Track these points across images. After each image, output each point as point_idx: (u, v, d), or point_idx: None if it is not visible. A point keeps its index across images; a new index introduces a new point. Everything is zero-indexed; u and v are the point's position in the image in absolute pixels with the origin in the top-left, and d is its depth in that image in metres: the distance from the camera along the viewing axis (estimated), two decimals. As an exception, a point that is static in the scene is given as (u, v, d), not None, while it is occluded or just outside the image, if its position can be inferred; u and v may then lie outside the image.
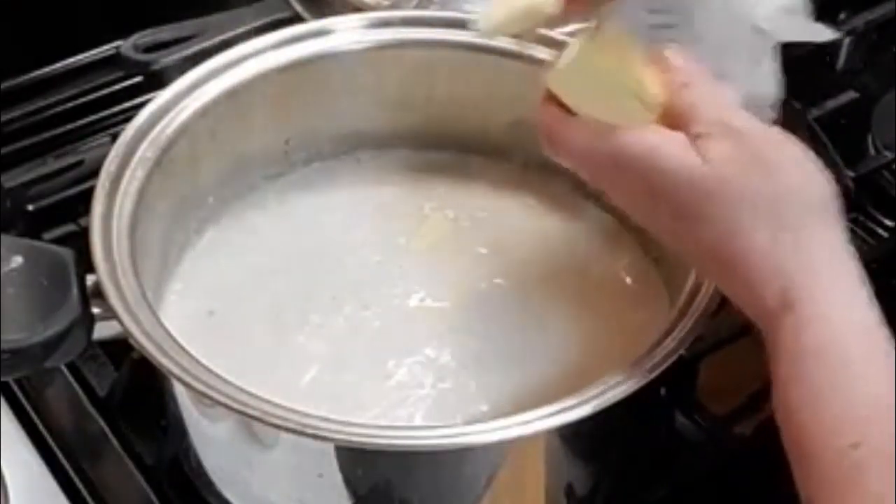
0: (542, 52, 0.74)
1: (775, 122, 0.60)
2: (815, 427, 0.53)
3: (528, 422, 0.58)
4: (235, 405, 0.58)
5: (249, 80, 0.73)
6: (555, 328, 0.70)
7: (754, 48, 0.63)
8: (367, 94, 0.77)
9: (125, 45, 0.86)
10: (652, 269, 0.73)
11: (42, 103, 0.89)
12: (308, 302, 0.71)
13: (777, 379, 0.55)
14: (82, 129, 0.89)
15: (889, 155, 0.84)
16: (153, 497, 0.69)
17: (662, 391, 0.66)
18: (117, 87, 0.90)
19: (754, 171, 0.56)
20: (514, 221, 0.76)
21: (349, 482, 0.62)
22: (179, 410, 0.66)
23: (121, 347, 0.67)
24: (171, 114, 0.71)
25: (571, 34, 0.78)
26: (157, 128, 0.70)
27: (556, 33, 0.76)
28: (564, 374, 0.68)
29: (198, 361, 0.60)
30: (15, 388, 0.75)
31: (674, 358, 0.60)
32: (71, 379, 0.74)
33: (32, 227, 0.81)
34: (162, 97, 0.71)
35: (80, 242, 0.65)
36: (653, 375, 0.60)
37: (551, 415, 0.58)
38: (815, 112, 0.84)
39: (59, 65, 0.91)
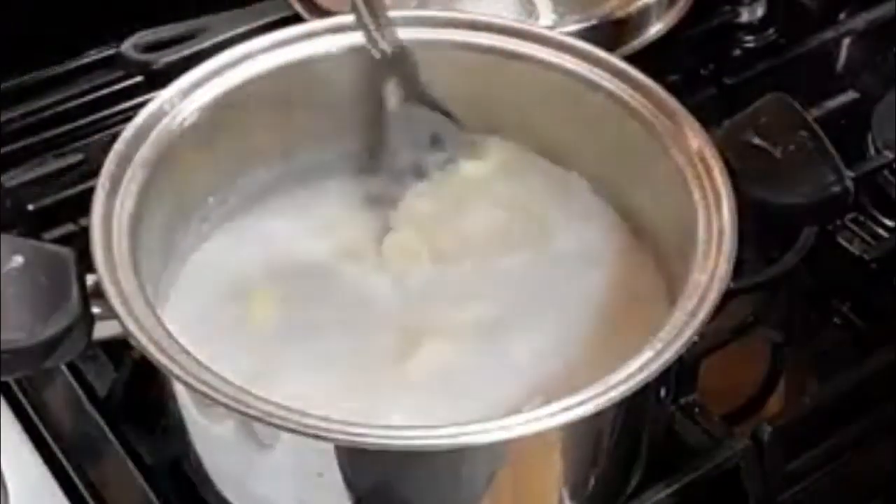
0: (542, 52, 0.74)
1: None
2: None
3: (527, 421, 0.58)
4: (235, 405, 0.58)
5: (249, 80, 0.73)
6: (556, 327, 0.70)
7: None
8: (367, 94, 0.77)
9: (125, 45, 0.86)
10: (654, 269, 0.73)
11: (42, 103, 0.90)
12: (309, 301, 0.71)
13: None
14: (82, 129, 0.89)
15: (889, 155, 0.84)
16: (153, 497, 0.69)
17: (662, 391, 0.66)
18: (117, 87, 0.90)
19: None
20: (515, 221, 0.76)
21: (349, 482, 0.62)
22: (179, 410, 0.66)
23: (121, 347, 0.67)
24: (171, 114, 0.71)
25: (571, 34, 0.79)
26: (157, 128, 0.70)
27: (556, 33, 0.76)
28: (565, 373, 0.68)
29: (198, 361, 0.60)
30: (15, 388, 0.75)
31: (674, 358, 0.60)
32: (71, 379, 0.74)
33: (32, 227, 0.81)
34: (162, 97, 0.71)
35: (80, 242, 0.65)
36: (653, 375, 0.60)
37: (551, 415, 0.58)
38: (815, 112, 0.84)
39: (58, 65, 0.91)
